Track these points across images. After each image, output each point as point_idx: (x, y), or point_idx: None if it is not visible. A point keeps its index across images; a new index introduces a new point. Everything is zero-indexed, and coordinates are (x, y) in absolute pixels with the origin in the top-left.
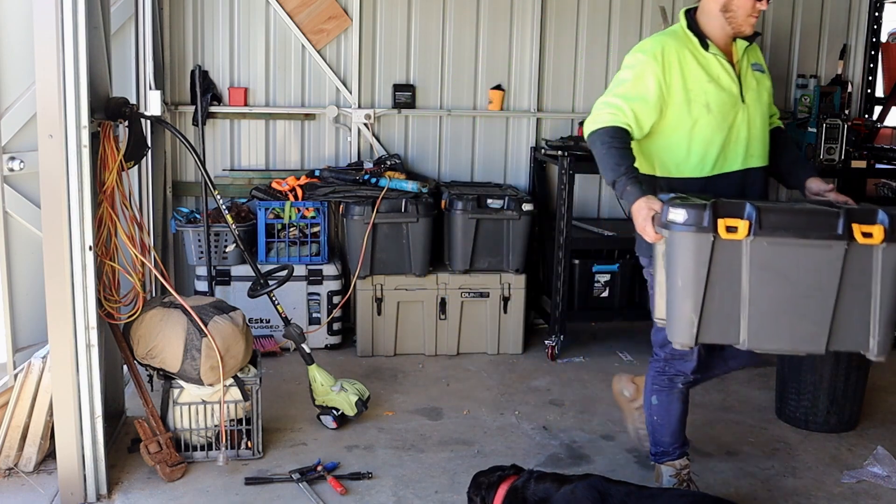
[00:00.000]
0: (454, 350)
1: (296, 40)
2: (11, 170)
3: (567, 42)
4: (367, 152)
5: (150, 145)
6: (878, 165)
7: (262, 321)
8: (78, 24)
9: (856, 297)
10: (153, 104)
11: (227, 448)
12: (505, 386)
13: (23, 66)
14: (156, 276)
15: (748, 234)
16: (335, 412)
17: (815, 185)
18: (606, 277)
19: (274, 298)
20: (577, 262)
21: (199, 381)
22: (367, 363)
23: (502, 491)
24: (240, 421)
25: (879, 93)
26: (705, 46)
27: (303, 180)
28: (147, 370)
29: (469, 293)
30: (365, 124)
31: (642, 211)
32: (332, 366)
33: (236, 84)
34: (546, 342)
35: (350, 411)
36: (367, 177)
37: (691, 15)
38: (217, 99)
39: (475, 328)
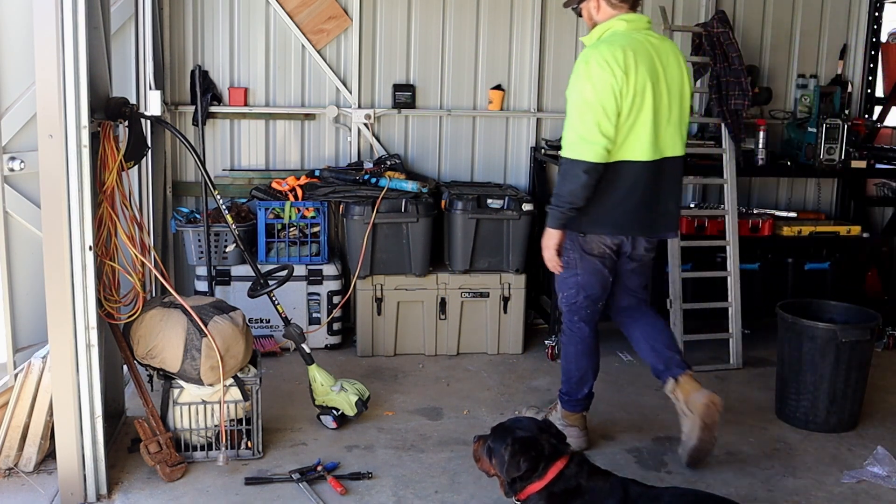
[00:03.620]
0: (454, 350)
1: (296, 40)
2: (12, 170)
3: (567, 42)
4: (367, 152)
5: (150, 145)
6: (878, 165)
7: (262, 321)
8: (78, 24)
9: None
10: (153, 104)
11: (227, 448)
12: (505, 386)
13: (23, 66)
14: (156, 276)
15: None
16: (335, 412)
17: None
18: None
19: (274, 298)
20: None
21: (199, 381)
22: (367, 363)
23: (556, 468)
24: (240, 421)
25: (879, 93)
26: None
27: (303, 180)
28: (147, 370)
29: (469, 293)
30: (365, 124)
31: None
32: (332, 366)
33: (236, 84)
34: (546, 342)
35: (350, 411)
36: (367, 177)
37: None
38: (217, 99)
39: (475, 328)
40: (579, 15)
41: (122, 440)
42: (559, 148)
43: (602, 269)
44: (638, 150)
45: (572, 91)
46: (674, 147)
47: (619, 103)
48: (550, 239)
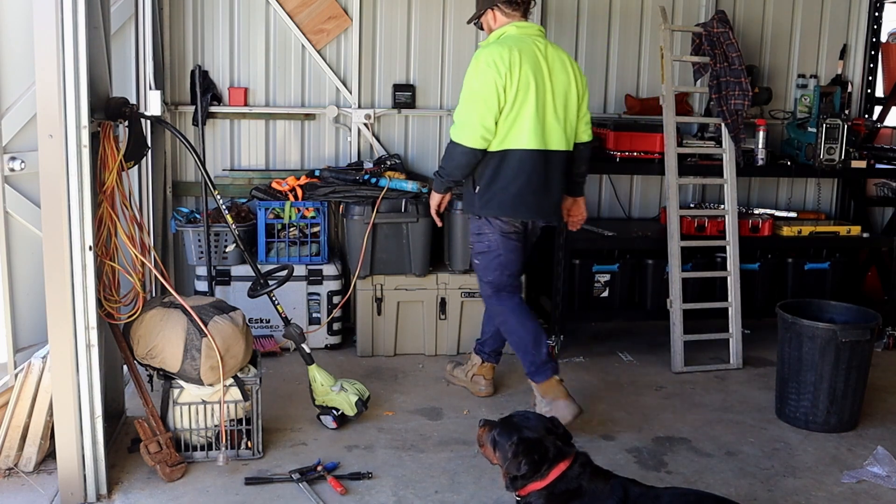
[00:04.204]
0: (454, 350)
1: (296, 40)
2: (12, 170)
3: (567, 42)
4: (367, 152)
5: (150, 145)
6: (878, 165)
7: (262, 321)
8: (78, 24)
9: None
10: (153, 104)
11: (227, 448)
12: (505, 386)
13: (23, 66)
14: (156, 276)
15: None
16: (335, 412)
17: None
18: (606, 277)
19: (274, 298)
20: (577, 262)
21: (199, 381)
22: (367, 363)
23: (558, 470)
24: (240, 421)
25: (879, 93)
26: None
27: (303, 180)
28: (147, 370)
29: (469, 293)
30: (365, 124)
31: None
32: (332, 366)
33: (236, 84)
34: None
35: (350, 411)
36: (367, 177)
37: None
38: (217, 99)
39: (475, 328)
40: (481, 28)
41: (122, 440)
42: None
43: (518, 245)
44: (523, 138)
45: (465, 83)
46: (559, 142)
47: (504, 96)
48: (434, 200)
